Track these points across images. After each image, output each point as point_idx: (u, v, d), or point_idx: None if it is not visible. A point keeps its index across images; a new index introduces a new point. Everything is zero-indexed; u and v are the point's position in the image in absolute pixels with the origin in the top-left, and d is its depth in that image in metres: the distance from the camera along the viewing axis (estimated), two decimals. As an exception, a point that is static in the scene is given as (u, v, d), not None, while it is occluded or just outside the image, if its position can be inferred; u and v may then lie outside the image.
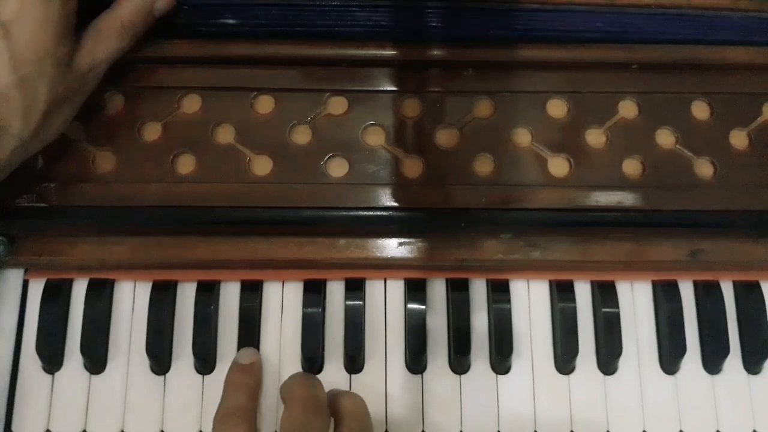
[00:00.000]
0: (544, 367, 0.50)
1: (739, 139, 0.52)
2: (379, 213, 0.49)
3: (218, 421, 0.45)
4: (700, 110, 0.52)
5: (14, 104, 0.43)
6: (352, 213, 0.49)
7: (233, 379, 0.48)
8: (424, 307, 0.50)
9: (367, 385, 0.49)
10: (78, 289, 0.51)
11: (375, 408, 0.48)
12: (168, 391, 0.49)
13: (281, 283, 0.51)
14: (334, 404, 0.46)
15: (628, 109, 0.52)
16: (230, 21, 0.52)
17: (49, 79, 0.44)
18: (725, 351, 0.50)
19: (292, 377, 0.47)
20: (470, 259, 0.50)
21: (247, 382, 0.47)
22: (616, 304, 0.50)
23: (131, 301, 0.51)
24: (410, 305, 0.50)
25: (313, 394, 0.45)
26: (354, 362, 0.50)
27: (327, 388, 0.49)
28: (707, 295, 0.51)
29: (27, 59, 0.43)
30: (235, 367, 0.48)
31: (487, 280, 0.51)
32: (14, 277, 0.51)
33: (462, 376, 0.50)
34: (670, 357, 0.50)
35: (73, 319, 0.50)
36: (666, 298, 0.51)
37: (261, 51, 0.52)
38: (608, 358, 0.50)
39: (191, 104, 0.52)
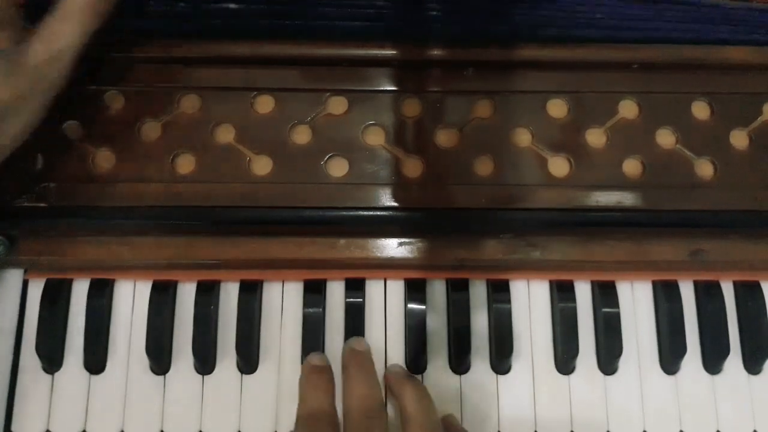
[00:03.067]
0: (544, 367, 0.50)
1: (739, 139, 0.52)
2: (379, 213, 0.49)
3: (304, 425, 0.43)
4: (700, 110, 0.52)
5: None
6: (352, 213, 0.49)
7: (311, 379, 0.46)
8: (424, 307, 0.50)
9: (367, 385, 0.49)
10: (78, 289, 0.51)
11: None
12: (168, 391, 0.49)
13: (281, 283, 0.51)
14: (399, 401, 0.44)
15: (628, 109, 0.52)
16: (230, 20, 0.52)
17: None
18: (725, 351, 0.50)
19: (347, 371, 0.45)
20: (470, 259, 0.50)
21: (325, 382, 0.46)
22: (616, 304, 0.50)
23: (131, 301, 0.51)
24: (410, 305, 0.50)
25: (371, 395, 0.44)
26: (354, 362, 0.50)
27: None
28: (707, 295, 0.51)
29: None
30: (310, 367, 0.47)
31: (487, 280, 0.51)
32: (14, 277, 0.51)
33: (462, 376, 0.50)
34: (670, 357, 0.50)
35: (73, 319, 0.50)
36: (666, 298, 0.51)
37: (261, 51, 0.52)
38: (608, 358, 0.50)
39: (191, 104, 0.52)
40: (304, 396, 0.45)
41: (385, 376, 0.48)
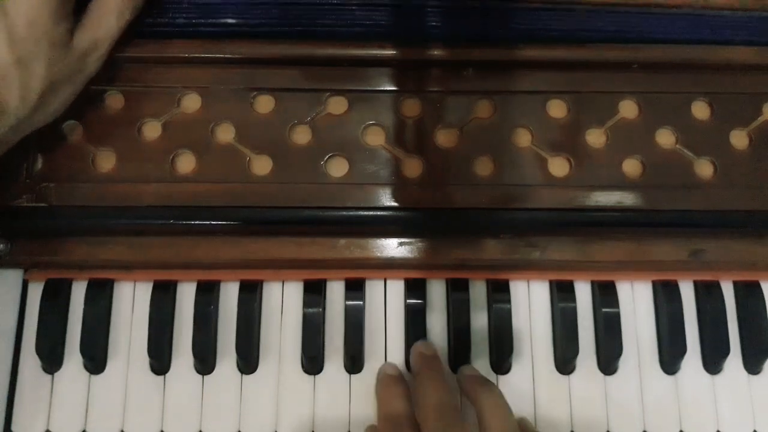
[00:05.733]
0: (544, 367, 0.50)
1: (739, 139, 0.52)
2: (379, 213, 0.49)
3: (388, 424, 0.45)
4: (700, 110, 0.52)
5: (11, 83, 0.43)
6: (352, 213, 0.49)
7: (388, 387, 0.47)
8: (424, 307, 0.50)
9: (367, 385, 0.49)
10: (78, 289, 0.51)
11: (374, 408, 0.48)
12: (168, 391, 0.49)
13: (281, 283, 0.51)
14: (476, 407, 0.44)
15: (628, 109, 0.52)
16: (230, 20, 0.52)
17: (47, 59, 0.44)
18: (725, 351, 0.50)
19: (420, 376, 0.46)
20: (470, 259, 0.50)
21: (402, 389, 0.47)
22: (616, 304, 0.50)
23: (131, 301, 0.51)
24: (410, 305, 0.50)
25: (446, 399, 0.44)
26: (354, 362, 0.50)
27: (327, 389, 0.49)
28: (707, 295, 0.51)
29: (24, 38, 0.43)
30: (386, 377, 0.48)
31: (487, 280, 0.51)
32: (14, 277, 0.51)
33: (462, 376, 0.50)
34: (670, 357, 0.50)
35: (73, 319, 0.50)
36: (666, 298, 0.51)
37: (261, 51, 0.52)
38: (608, 358, 0.50)
39: (191, 104, 0.52)
40: (383, 400, 0.47)
41: (459, 379, 0.48)
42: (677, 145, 0.51)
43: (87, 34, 0.47)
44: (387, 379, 0.48)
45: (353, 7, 0.52)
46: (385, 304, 0.51)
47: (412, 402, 0.46)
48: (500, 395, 0.45)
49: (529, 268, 0.51)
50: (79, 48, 0.46)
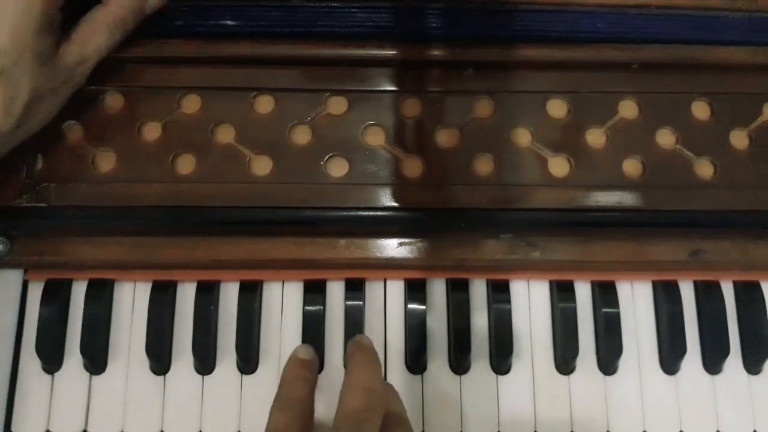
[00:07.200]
0: (544, 367, 0.50)
1: (739, 139, 0.52)
2: (379, 213, 0.49)
3: (275, 410, 0.43)
4: (700, 110, 0.52)
5: None
6: (352, 213, 0.49)
7: (291, 373, 0.46)
8: (424, 307, 0.50)
9: (367, 385, 0.49)
10: (78, 289, 0.51)
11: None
12: (168, 391, 0.49)
13: (281, 283, 0.51)
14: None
15: (628, 109, 0.52)
16: (230, 21, 0.52)
17: (31, 72, 0.44)
18: (725, 351, 0.50)
19: (354, 355, 0.46)
20: (470, 259, 0.50)
21: (305, 375, 0.46)
22: (616, 304, 0.50)
23: (131, 301, 0.51)
24: (410, 305, 0.50)
25: (372, 386, 0.43)
26: (354, 362, 0.50)
27: (327, 388, 0.49)
28: (707, 295, 0.51)
29: (8, 51, 0.43)
30: (294, 361, 0.47)
31: (487, 280, 0.51)
32: (14, 277, 0.51)
33: (462, 376, 0.50)
34: (670, 357, 0.50)
35: (73, 319, 0.50)
36: (666, 298, 0.51)
37: (261, 51, 0.52)
38: (608, 358, 0.50)
39: (191, 104, 0.52)
40: (283, 384, 0.45)
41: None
42: (677, 145, 0.51)
43: (74, 49, 0.47)
44: (295, 362, 0.47)
45: (353, 8, 0.52)
46: (385, 304, 0.51)
47: (314, 389, 0.45)
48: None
49: (529, 268, 0.51)
50: (65, 62, 0.46)
